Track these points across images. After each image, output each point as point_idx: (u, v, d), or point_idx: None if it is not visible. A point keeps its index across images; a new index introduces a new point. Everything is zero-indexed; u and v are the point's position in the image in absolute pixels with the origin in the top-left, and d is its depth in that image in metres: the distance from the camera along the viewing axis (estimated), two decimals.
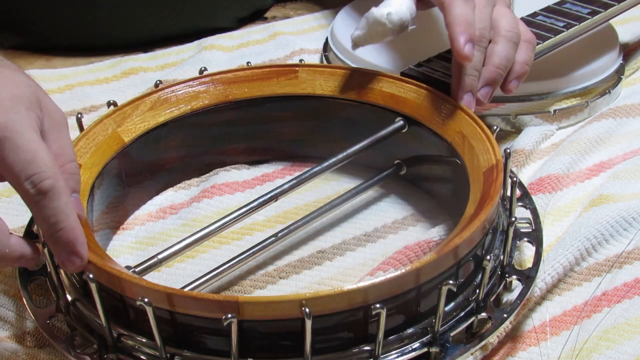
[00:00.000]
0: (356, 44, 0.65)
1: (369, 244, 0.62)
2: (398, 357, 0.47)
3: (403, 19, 0.63)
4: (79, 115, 0.61)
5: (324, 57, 0.86)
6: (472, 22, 0.60)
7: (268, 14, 1.01)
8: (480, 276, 0.50)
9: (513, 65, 0.63)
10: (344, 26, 0.85)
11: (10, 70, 0.50)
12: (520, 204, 0.60)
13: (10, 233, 0.48)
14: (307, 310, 0.43)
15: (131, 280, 0.46)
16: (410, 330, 0.48)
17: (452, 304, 0.50)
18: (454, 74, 0.61)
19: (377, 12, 0.62)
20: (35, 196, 0.45)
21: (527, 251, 0.57)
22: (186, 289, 0.54)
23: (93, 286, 0.46)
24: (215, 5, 0.93)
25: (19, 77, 0.49)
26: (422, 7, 0.66)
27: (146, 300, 0.44)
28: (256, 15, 0.99)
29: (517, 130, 0.74)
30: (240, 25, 0.97)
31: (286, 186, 0.58)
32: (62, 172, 0.48)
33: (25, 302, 0.53)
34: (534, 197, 0.62)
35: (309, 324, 0.43)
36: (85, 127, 0.60)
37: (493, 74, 0.61)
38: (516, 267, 0.55)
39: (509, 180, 0.57)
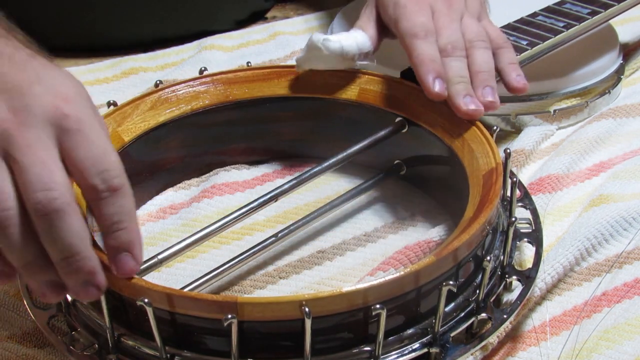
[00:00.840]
0: (298, 65, 0.66)
1: (369, 244, 0.62)
2: (398, 357, 0.47)
3: (346, 50, 0.64)
4: None
5: None
6: (435, 58, 0.60)
7: (268, 14, 1.01)
8: (480, 277, 0.50)
9: (502, 68, 0.63)
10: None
11: (57, 65, 0.49)
12: (520, 204, 0.60)
13: None
14: (307, 309, 0.43)
15: (131, 281, 0.46)
16: (410, 331, 0.48)
17: (452, 305, 0.50)
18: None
19: (315, 36, 0.63)
20: (104, 192, 0.43)
21: (527, 251, 0.57)
22: (186, 289, 0.54)
23: None
24: (214, 8, 0.93)
25: (68, 73, 0.48)
26: (394, 37, 0.66)
27: (146, 300, 0.44)
28: (255, 17, 0.99)
29: (517, 130, 0.74)
30: (239, 28, 0.96)
31: (286, 186, 0.58)
32: None
33: (25, 302, 0.53)
34: (534, 197, 0.62)
35: (308, 323, 0.43)
36: None
37: (480, 77, 0.61)
38: (516, 267, 0.55)
39: (509, 181, 0.57)
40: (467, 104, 0.58)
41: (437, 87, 0.58)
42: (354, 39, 0.64)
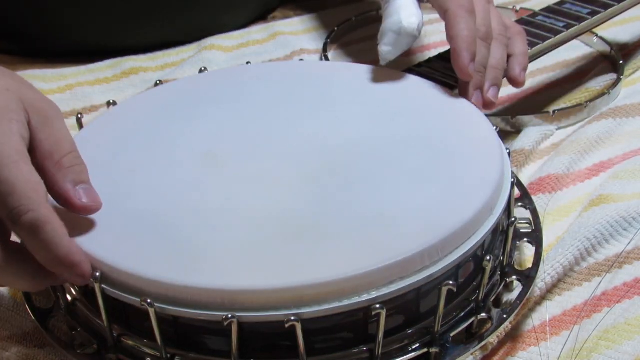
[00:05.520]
0: (385, 59, 0.63)
1: None
2: (398, 357, 0.47)
3: (421, 25, 0.63)
4: (79, 115, 0.61)
5: (323, 58, 0.86)
6: (474, 39, 0.60)
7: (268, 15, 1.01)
8: (480, 277, 0.50)
9: (514, 57, 0.65)
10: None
11: None
12: (520, 204, 0.60)
13: None
14: (293, 318, 0.43)
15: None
16: (410, 331, 0.48)
17: (452, 305, 0.50)
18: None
19: (407, 25, 0.61)
20: (20, 232, 0.43)
21: (527, 251, 0.57)
22: None
23: (97, 286, 0.45)
24: (219, 12, 0.93)
25: None
26: None
27: (149, 301, 0.44)
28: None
29: (517, 130, 0.74)
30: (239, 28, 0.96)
31: None
32: (59, 167, 0.46)
33: (25, 302, 0.53)
34: (533, 197, 0.62)
35: (299, 327, 0.43)
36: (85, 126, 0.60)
37: (492, 73, 0.62)
38: (516, 267, 0.55)
39: None
40: (473, 96, 0.60)
41: (471, 68, 0.59)
42: (418, 10, 0.62)
